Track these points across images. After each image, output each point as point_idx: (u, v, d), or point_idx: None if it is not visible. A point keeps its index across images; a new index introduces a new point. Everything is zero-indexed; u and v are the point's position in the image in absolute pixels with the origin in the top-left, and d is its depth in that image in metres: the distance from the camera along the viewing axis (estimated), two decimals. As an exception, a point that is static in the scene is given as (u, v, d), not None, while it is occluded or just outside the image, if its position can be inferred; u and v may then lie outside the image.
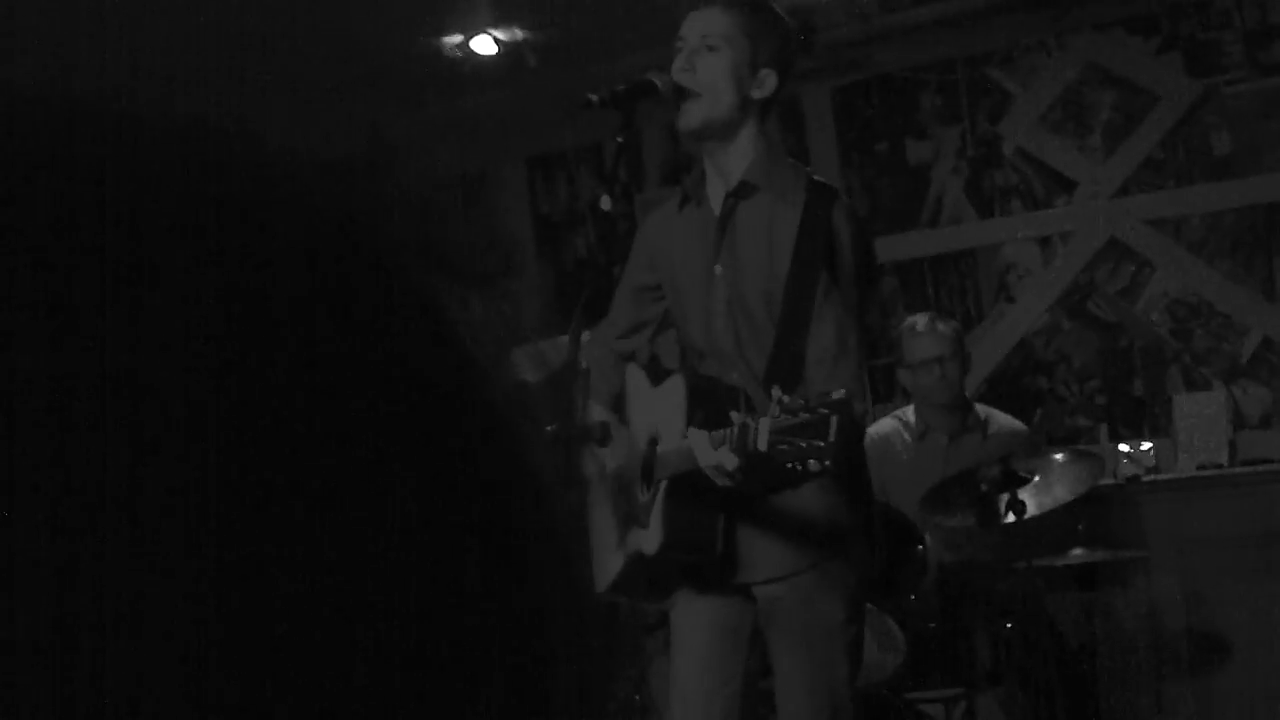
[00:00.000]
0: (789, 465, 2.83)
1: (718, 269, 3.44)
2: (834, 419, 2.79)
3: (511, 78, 6.69)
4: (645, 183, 6.69)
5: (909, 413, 5.57)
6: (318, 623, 0.42)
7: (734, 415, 2.93)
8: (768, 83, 3.41)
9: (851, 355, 3.33)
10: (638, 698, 4.99)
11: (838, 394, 2.84)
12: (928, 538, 4.86)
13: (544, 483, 0.52)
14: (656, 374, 3.51)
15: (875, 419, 5.73)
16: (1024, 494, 4.84)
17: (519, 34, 6.51)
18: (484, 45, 6.54)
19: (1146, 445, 5.88)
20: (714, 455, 2.96)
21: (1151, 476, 5.83)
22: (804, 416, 2.81)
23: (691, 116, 3.38)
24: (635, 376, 3.57)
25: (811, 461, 2.80)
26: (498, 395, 0.50)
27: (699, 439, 3.03)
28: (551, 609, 0.51)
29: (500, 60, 6.60)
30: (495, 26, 6.45)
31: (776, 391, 2.89)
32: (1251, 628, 5.57)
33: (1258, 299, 5.96)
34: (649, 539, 3.26)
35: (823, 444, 2.79)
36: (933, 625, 4.76)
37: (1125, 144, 6.21)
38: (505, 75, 6.68)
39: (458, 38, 6.49)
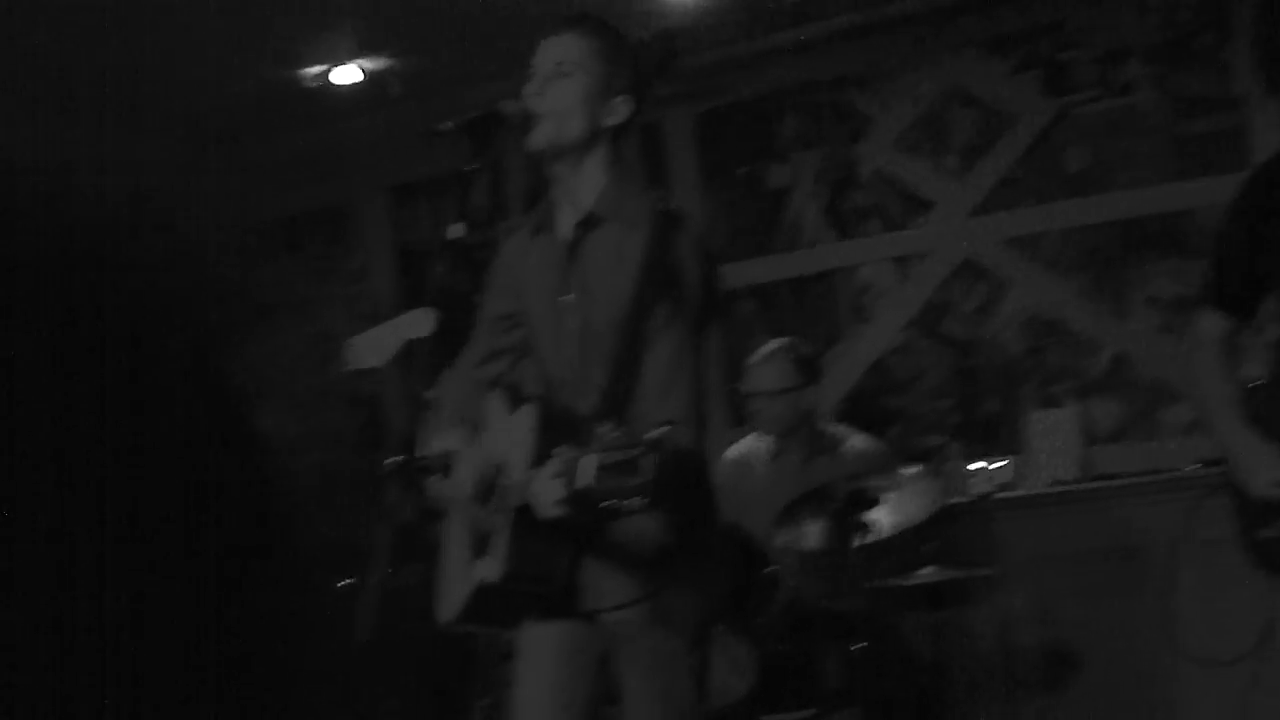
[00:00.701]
0: (610, 503, 2.87)
1: (567, 298, 3.47)
2: (651, 457, 2.83)
3: (375, 107, 6.70)
4: (507, 212, 6.72)
5: (765, 438, 5.63)
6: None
7: (563, 450, 2.96)
8: (620, 110, 3.44)
9: (686, 384, 3.37)
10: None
11: (657, 431, 2.88)
12: (778, 559, 4.91)
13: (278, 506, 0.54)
14: (514, 402, 3.53)
15: (736, 442, 5.80)
16: (875, 513, 4.90)
17: (383, 63, 6.52)
18: (348, 75, 6.55)
19: (1002, 462, 5.97)
20: (546, 487, 3.00)
21: (1003, 493, 5.91)
22: (623, 454, 2.85)
23: (540, 139, 3.41)
24: (495, 404, 3.59)
25: (631, 499, 2.84)
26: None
27: (539, 470, 3.07)
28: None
29: (364, 89, 6.61)
30: (360, 56, 6.46)
31: (604, 427, 2.92)
32: (1102, 643, 5.66)
33: (1110, 316, 6.08)
34: (493, 567, 3.28)
35: (639, 483, 2.83)
36: (783, 647, 4.79)
37: (982, 163, 6.31)
38: (369, 104, 6.69)
39: (322, 67, 6.49)
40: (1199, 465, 5.56)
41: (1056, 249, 6.17)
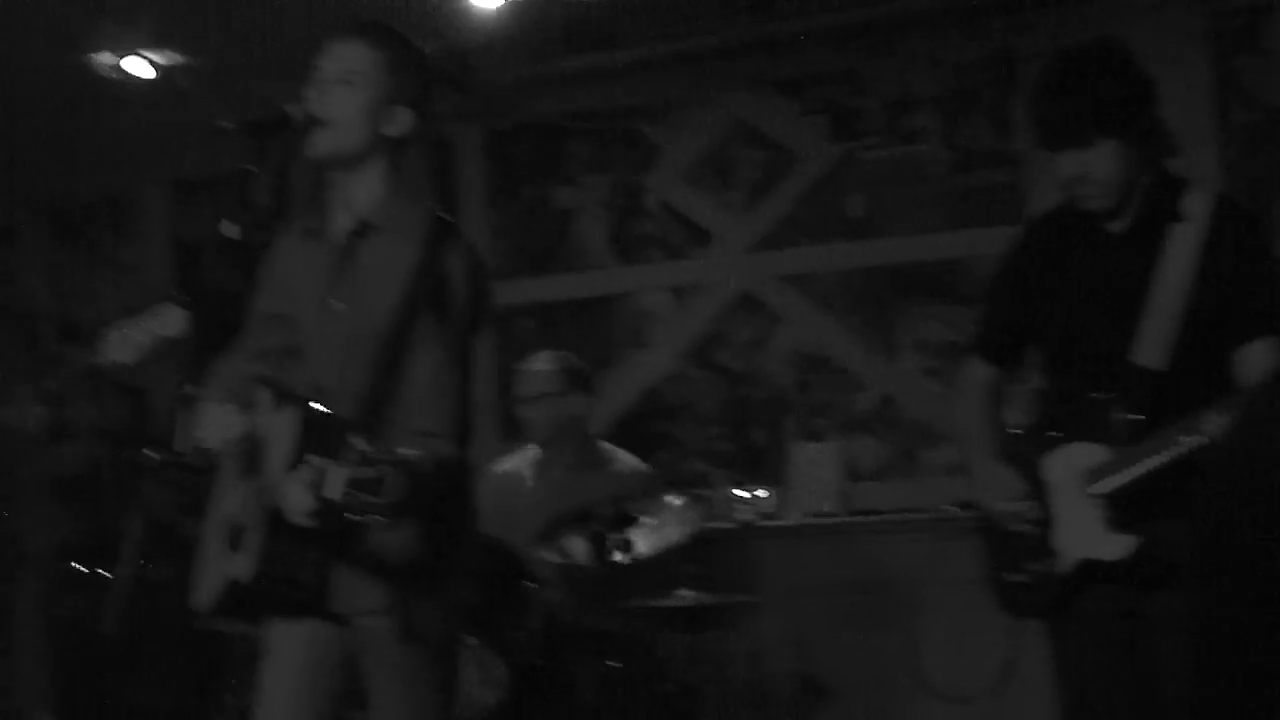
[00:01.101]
0: (354, 516, 2.87)
1: (334, 304, 3.46)
2: (392, 477, 2.84)
3: (162, 100, 6.60)
4: (286, 213, 6.65)
5: (534, 451, 5.66)
6: None
7: (314, 460, 2.95)
8: (403, 121, 3.43)
9: (451, 396, 3.38)
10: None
11: (409, 451, 2.89)
12: (538, 574, 4.93)
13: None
14: (278, 402, 3.50)
15: (505, 457, 5.82)
16: (637, 534, 4.94)
17: (172, 57, 6.43)
18: (138, 66, 6.45)
19: (764, 492, 6.06)
20: (296, 494, 2.99)
21: (764, 522, 6.00)
22: (369, 471, 2.85)
23: (319, 146, 3.38)
24: (263, 401, 3.56)
25: (373, 515, 2.86)
26: None
27: (293, 475, 3.05)
28: None
29: (151, 83, 6.51)
30: (148, 48, 6.36)
31: (357, 439, 2.92)
32: (851, 674, 5.77)
33: (878, 357, 6.21)
34: (245, 565, 3.25)
35: (383, 503, 2.84)
36: (538, 662, 4.81)
37: (764, 201, 6.41)
38: (155, 98, 6.59)
39: (113, 57, 6.38)
40: (956, 506, 5.71)
41: (831, 289, 6.30)
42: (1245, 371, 3.45)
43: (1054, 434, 3.63)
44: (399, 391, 3.33)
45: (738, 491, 6.05)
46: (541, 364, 5.57)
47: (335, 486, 2.85)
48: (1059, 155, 3.49)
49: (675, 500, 5.14)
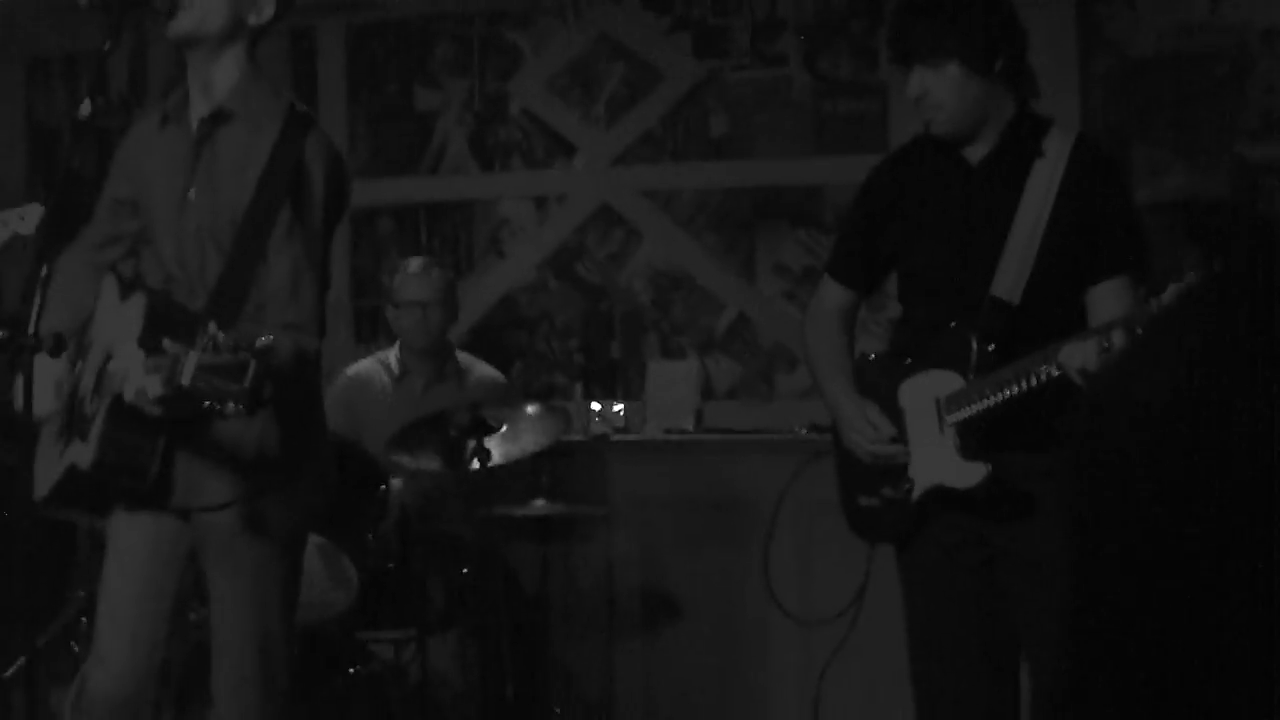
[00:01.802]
0: (208, 404, 2.81)
1: (190, 193, 3.39)
2: (253, 364, 2.78)
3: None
4: (143, 95, 6.48)
5: (391, 355, 5.59)
6: None
7: (167, 345, 2.89)
8: (265, 10, 3.40)
9: (310, 292, 3.34)
10: (84, 620, 4.85)
11: (263, 341, 2.84)
12: (392, 479, 4.88)
13: None
14: (126, 289, 3.42)
15: (358, 359, 5.75)
16: (492, 442, 4.91)
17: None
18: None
19: (619, 406, 6.05)
20: (143, 380, 2.91)
21: (619, 436, 5.99)
22: (228, 357, 2.79)
23: (180, 26, 3.34)
24: (109, 289, 3.48)
25: (230, 404, 2.80)
26: None
27: (136, 362, 2.98)
28: None
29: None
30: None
31: (212, 326, 2.86)
32: (701, 591, 5.80)
33: (737, 277, 6.21)
34: (85, 453, 3.19)
35: (238, 388, 2.78)
36: (390, 566, 4.78)
37: (627, 116, 6.36)
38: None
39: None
40: (808, 429, 5.75)
41: (692, 208, 6.28)
42: (1098, 309, 3.48)
43: (909, 361, 3.64)
44: (256, 284, 3.29)
45: (594, 405, 6.03)
46: (423, 270, 5.48)
47: (187, 372, 2.78)
48: (909, 73, 3.51)
49: (532, 411, 5.12)
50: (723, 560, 5.75)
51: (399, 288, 5.49)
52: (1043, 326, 3.39)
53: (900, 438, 3.60)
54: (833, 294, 3.86)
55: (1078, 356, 3.21)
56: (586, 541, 5.79)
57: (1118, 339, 3.17)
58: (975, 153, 3.58)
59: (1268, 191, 5.68)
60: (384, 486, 4.78)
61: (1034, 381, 3.33)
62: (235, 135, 3.38)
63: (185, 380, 2.81)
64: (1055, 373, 3.27)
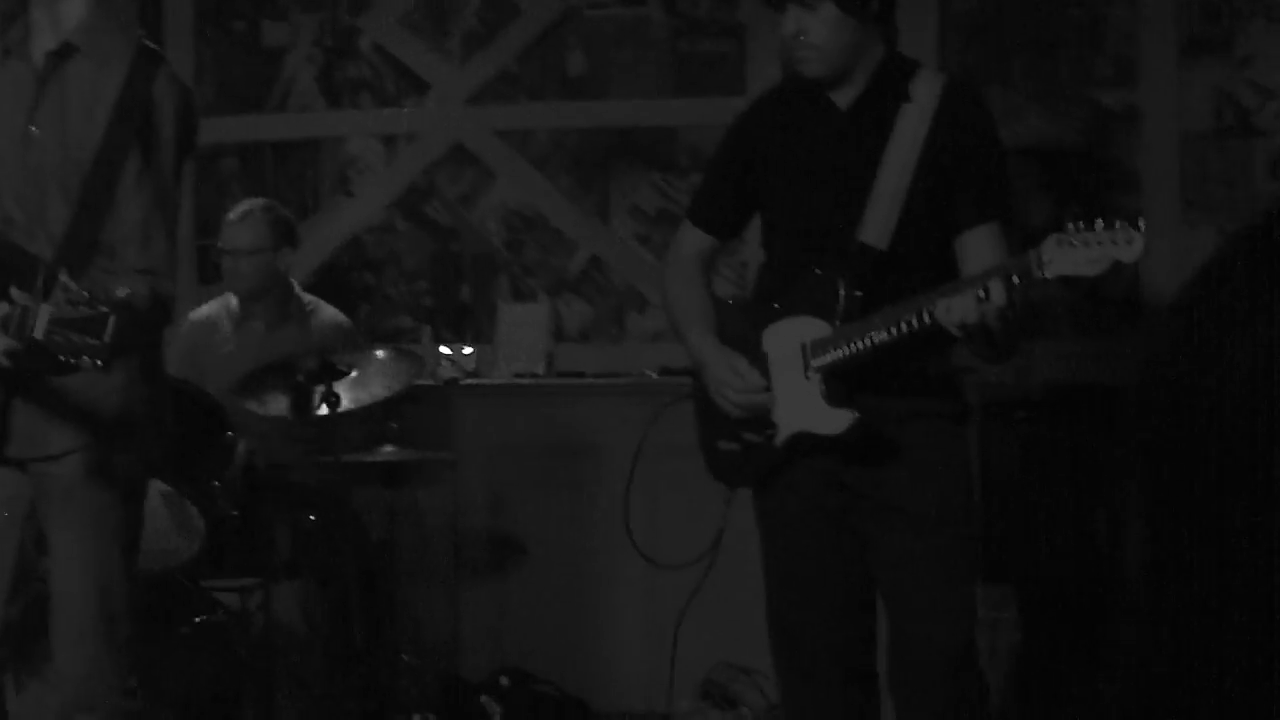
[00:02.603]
0: (63, 358, 2.73)
1: (33, 130, 3.28)
2: (112, 319, 2.70)
3: None
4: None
5: (233, 298, 5.48)
6: None
7: (16, 294, 2.79)
8: None
9: (163, 235, 3.26)
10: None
11: (121, 292, 2.76)
12: (237, 424, 4.80)
13: None
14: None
15: (203, 301, 5.63)
16: (340, 387, 4.84)
17: None
18: None
19: (468, 350, 5.99)
20: None
21: (468, 380, 5.94)
22: (84, 311, 2.71)
23: None
24: None
25: (84, 359, 2.71)
26: None
27: None
28: None
29: None
30: None
31: (63, 276, 2.77)
32: (546, 533, 5.79)
33: (591, 218, 6.17)
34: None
35: (97, 343, 2.70)
36: (234, 513, 4.70)
37: (482, 53, 6.26)
38: None
39: None
40: (659, 373, 5.78)
41: (546, 148, 6.22)
42: (969, 256, 3.49)
43: (776, 307, 3.63)
44: (106, 227, 3.19)
45: (443, 349, 5.96)
46: (249, 215, 5.37)
47: (40, 325, 2.69)
48: (782, 13, 3.48)
49: (381, 355, 5.06)
50: (571, 504, 5.74)
51: (224, 235, 5.40)
52: (911, 273, 3.40)
53: (764, 383, 3.59)
54: (693, 239, 3.84)
55: (956, 311, 3.20)
56: (434, 486, 5.74)
57: (996, 290, 3.17)
58: (844, 97, 3.57)
59: (1122, 138, 5.75)
60: (230, 433, 4.69)
61: (903, 329, 3.33)
62: (82, 71, 3.29)
63: (39, 334, 2.73)
64: (928, 321, 3.27)
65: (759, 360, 3.61)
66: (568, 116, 6.21)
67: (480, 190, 6.25)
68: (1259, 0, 5.68)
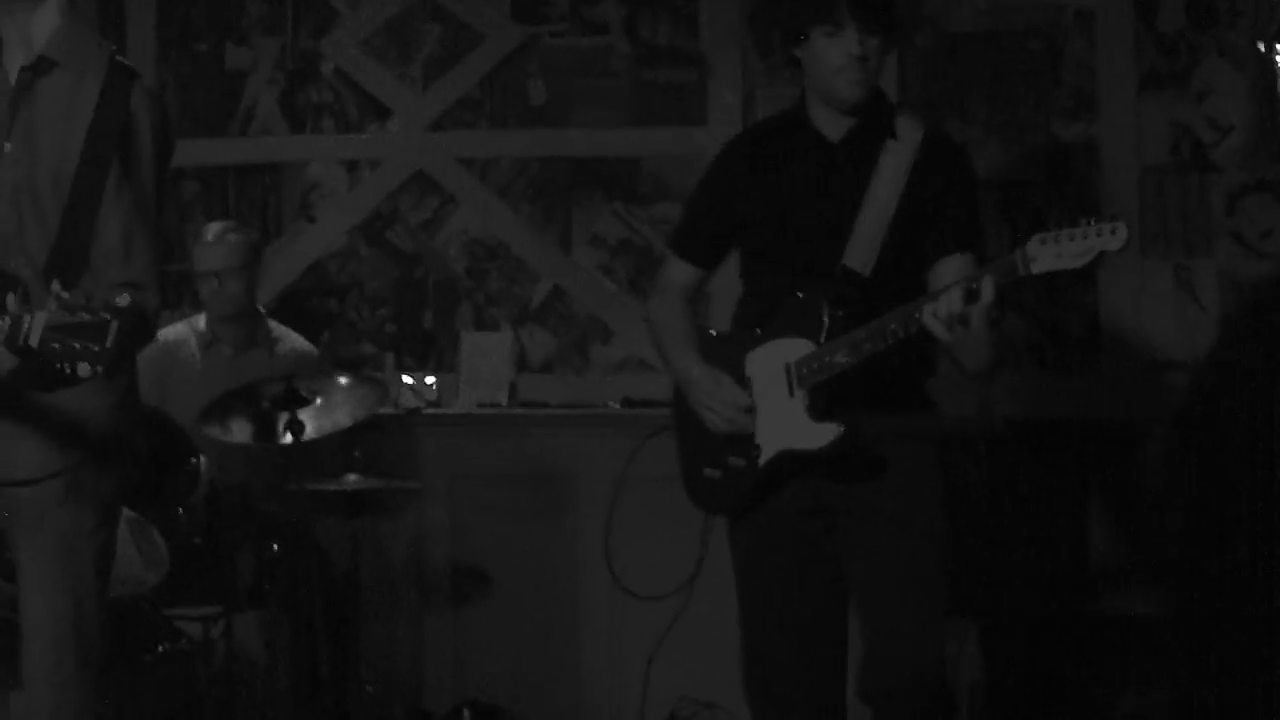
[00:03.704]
0: (59, 366, 2.68)
1: (7, 147, 3.23)
2: (114, 324, 2.67)
3: None
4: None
5: (200, 321, 5.45)
6: None
7: (10, 304, 2.75)
8: None
9: (145, 249, 3.22)
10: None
11: (122, 299, 2.72)
12: (202, 451, 4.76)
13: None
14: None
15: (164, 324, 5.58)
16: (304, 415, 4.81)
17: None
18: None
19: (430, 379, 5.96)
20: None
21: (432, 409, 5.91)
22: (83, 317, 2.67)
23: None
24: None
25: (83, 365, 2.67)
26: None
27: None
28: None
29: None
30: None
31: (56, 286, 2.73)
32: (510, 563, 5.76)
33: (553, 248, 6.15)
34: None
35: (98, 349, 2.66)
36: (198, 541, 4.66)
37: (444, 79, 6.24)
38: None
39: None
40: (621, 403, 5.83)
41: (508, 176, 6.20)
42: (939, 282, 3.53)
43: (759, 332, 3.68)
44: (87, 242, 3.14)
45: (405, 377, 5.93)
46: (217, 238, 5.33)
47: (36, 334, 2.65)
48: (861, 35, 3.53)
49: (344, 382, 5.03)
50: (534, 534, 5.73)
51: (196, 257, 5.36)
52: (890, 299, 3.46)
53: (751, 406, 3.63)
54: (679, 272, 3.92)
55: (943, 305, 3.27)
56: (397, 516, 5.71)
57: (986, 287, 3.23)
58: (834, 130, 3.67)
59: (1081, 171, 5.80)
60: (194, 459, 4.65)
61: (888, 340, 3.40)
62: (57, 86, 3.25)
63: (33, 342, 2.69)
64: (914, 327, 3.34)
65: (743, 385, 3.66)
66: (529, 145, 6.19)
67: (443, 217, 6.22)
68: (1215, 36, 5.75)
